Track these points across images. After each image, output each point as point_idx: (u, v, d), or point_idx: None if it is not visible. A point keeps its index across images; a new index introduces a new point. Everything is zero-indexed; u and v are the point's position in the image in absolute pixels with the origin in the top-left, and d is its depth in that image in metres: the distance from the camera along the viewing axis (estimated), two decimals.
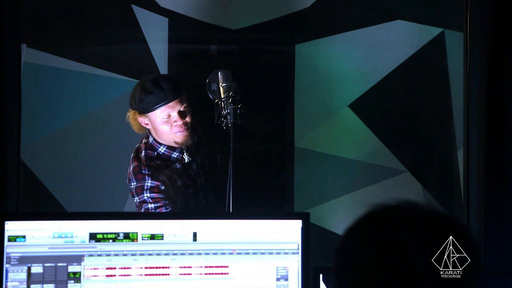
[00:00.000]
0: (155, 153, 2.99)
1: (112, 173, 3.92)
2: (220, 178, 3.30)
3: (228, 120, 2.97)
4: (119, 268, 1.88)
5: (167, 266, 1.90)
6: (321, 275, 2.00)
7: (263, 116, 4.03)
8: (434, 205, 1.21)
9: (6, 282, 1.84)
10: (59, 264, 1.86)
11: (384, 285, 1.13)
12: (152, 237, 1.89)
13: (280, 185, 4.10)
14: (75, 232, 1.87)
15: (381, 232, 1.16)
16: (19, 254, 1.85)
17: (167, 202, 2.90)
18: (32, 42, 3.88)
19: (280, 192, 4.09)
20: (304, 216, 1.94)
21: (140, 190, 2.90)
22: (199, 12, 3.99)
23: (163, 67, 3.97)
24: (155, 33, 3.98)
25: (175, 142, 2.97)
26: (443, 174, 4.13)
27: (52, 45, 3.92)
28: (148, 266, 1.89)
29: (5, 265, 1.84)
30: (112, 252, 1.88)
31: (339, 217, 4.02)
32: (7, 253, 1.84)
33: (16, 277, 1.85)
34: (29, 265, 1.85)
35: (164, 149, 2.99)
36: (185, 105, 2.95)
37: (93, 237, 1.87)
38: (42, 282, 1.85)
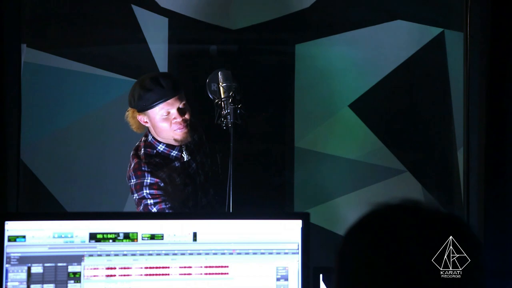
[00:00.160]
0: (154, 151, 2.99)
1: (112, 173, 3.91)
2: (220, 178, 3.30)
3: (228, 120, 2.97)
4: (119, 268, 1.88)
5: (167, 266, 1.90)
6: (321, 275, 2.00)
7: (263, 116, 4.03)
8: (435, 204, 1.20)
9: (6, 282, 1.83)
10: (59, 264, 1.86)
11: (385, 285, 1.12)
12: (152, 237, 1.89)
13: (280, 185, 4.10)
14: (75, 232, 1.87)
15: (382, 232, 1.16)
16: (19, 254, 1.85)
17: (166, 199, 2.90)
18: (32, 42, 3.87)
19: (280, 192, 4.08)
20: (304, 216, 1.93)
21: (139, 187, 2.90)
22: (199, 12, 3.98)
23: (163, 67, 3.96)
24: (155, 33, 3.97)
25: (175, 139, 2.97)
26: (443, 174, 4.12)
27: (52, 45, 3.91)
28: (148, 266, 1.89)
29: (5, 265, 1.84)
30: (112, 252, 1.88)
31: (339, 217, 4.01)
32: (7, 253, 1.84)
33: (16, 277, 1.84)
34: (29, 265, 1.85)
35: (163, 147, 2.99)
36: (184, 102, 2.95)
37: (93, 237, 1.87)
38: (42, 282, 1.85)
